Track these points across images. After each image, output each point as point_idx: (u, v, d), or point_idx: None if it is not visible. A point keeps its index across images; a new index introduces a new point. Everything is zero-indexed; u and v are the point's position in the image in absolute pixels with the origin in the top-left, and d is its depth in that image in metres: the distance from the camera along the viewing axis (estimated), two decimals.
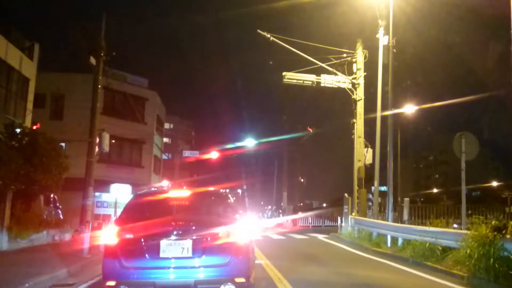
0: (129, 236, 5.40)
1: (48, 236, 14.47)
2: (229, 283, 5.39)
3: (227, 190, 6.60)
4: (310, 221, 30.89)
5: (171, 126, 59.24)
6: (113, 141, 28.95)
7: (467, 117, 63.58)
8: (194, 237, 5.40)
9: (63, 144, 25.81)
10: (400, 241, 12.37)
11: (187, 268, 5.38)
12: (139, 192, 6.73)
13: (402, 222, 15.58)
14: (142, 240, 5.36)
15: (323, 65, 17.84)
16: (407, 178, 61.37)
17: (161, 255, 5.35)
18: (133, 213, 5.82)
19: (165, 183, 36.20)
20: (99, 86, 16.47)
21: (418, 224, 15.61)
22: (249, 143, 36.33)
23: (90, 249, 10.94)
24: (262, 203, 58.98)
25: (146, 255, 5.33)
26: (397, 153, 27.24)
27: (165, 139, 49.62)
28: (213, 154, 38.65)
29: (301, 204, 51.61)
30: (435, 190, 67.02)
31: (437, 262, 9.74)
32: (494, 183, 55.55)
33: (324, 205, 56.92)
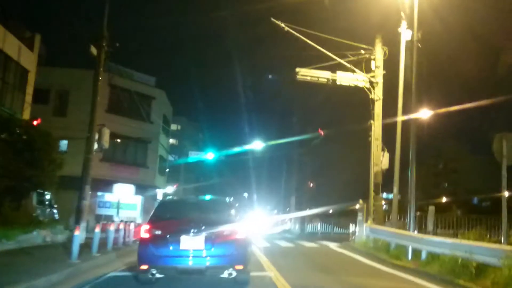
0: (158, 232, 7.20)
1: (38, 237, 13.36)
2: (231, 269, 7.11)
3: (232, 198, 9.27)
4: (319, 228, 29.82)
5: (178, 127, 58.34)
6: (118, 140, 28.04)
7: (480, 123, 61.47)
8: (205, 234, 7.07)
9: (65, 142, 24.97)
10: (424, 254, 11.13)
11: (200, 257, 7.06)
12: (164, 199, 8.79)
13: (421, 232, 14.41)
14: (168, 235, 7.12)
15: (341, 60, 16.57)
16: (416, 186, 59.78)
17: (181, 247, 7.07)
18: (160, 215, 7.72)
19: (169, 189, 35.31)
20: (100, 79, 15.43)
21: (427, 234, 14.48)
22: (258, 145, 35.18)
23: (81, 254, 9.88)
24: (268, 207, 57.77)
25: (170, 247, 7.08)
26: (410, 159, 25.93)
27: (172, 140, 48.68)
28: (220, 157, 37.56)
29: (309, 209, 50.28)
30: (444, 199, 65.38)
31: (471, 281, 8.53)
32: (506, 193, 53.70)
33: (331, 211, 55.46)
